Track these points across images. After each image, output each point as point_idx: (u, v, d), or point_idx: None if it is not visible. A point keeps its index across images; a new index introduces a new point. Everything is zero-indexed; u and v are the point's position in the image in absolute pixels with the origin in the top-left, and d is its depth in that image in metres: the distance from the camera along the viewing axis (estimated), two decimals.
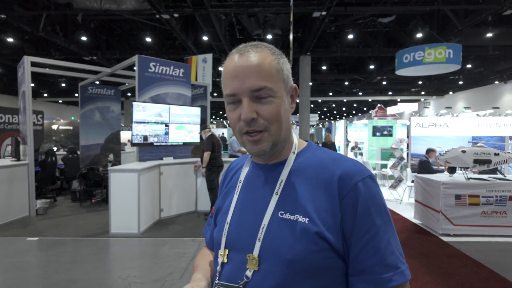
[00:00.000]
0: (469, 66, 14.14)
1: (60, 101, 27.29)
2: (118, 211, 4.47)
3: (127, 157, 8.26)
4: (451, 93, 20.59)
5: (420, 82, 18.34)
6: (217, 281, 0.70)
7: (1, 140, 6.95)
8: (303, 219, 0.65)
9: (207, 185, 5.16)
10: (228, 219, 0.74)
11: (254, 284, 0.65)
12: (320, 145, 8.07)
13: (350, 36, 11.93)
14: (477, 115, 8.03)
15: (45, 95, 23.65)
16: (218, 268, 0.72)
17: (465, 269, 3.30)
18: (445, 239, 4.20)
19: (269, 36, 12.47)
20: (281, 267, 0.63)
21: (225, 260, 0.71)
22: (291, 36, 8.45)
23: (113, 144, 7.99)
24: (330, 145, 9.14)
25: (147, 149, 5.39)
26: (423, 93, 21.79)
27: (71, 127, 12.63)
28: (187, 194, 5.66)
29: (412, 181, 5.69)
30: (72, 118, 20.05)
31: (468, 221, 4.24)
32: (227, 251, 0.71)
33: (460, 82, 17.38)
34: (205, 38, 12.02)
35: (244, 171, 0.80)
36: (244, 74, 0.65)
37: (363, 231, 0.63)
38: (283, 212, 0.67)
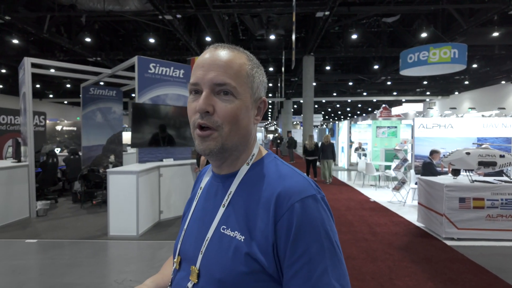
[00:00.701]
0: (475, 66, 13.95)
1: (65, 102, 27.51)
2: (116, 213, 4.44)
3: (129, 158, 8.26)
4: (456, 93, 20.36)
5: (425, 82, 18.16)
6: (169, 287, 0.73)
7: (3, 141, 6.99)
8: (240, 237, 0.61)
9: None
10: (185, 226, 0.74)
11: None
12: (320, 145, 7.82)
13: (354, 36, 11.83)
14: (483, 115, 7.89)
15: (51, 96, 23.86)
16: (172, 274, 0.74)
17: (469, 275, 3.21)
18: (448, 243, 4.10)
19: (272, 37, 12.41)
20: (212, 285, 0.61)
21: (177, 267, 0.71)
22: (293, 37, 8.38)
23: (114, 145, 7.99)
24: (328, 145, 8.93)
25: (147, 150, 5.36)
26: (428, 93, 21.58)
27: (74, 128, 12.69)
28: (187, 196, 5.61)
29: (416, 183, 5.58)
30: (78, 118, 20.19)
31: (472, 225, 4.14)
32: (179, 258, 0.71)
33: (466, 82, 17.17)
34: (208, 38, 12.01)
35: (206, 178, 0.78)
36: (210, 66, 0.63)
37: (295, 257, 0.57)
38: (224, 227, 0.64)
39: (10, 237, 4.42)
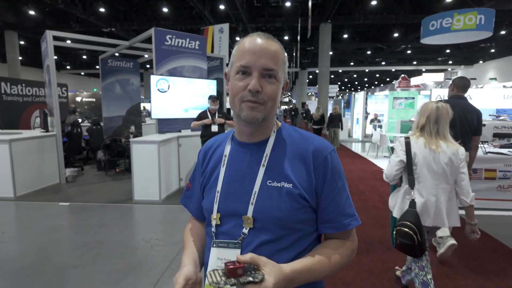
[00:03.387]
0: (502, 32, 13.17)
1: (82, 73, 27.90)
2: (140, 180, 4.75)
3: (147, 129, 8.55)
4: (481, 62, 19.40)
5: (447, 51, 17.35)
6: (214, 240, 0.84)
7: (30, 112, 7.34)
8: (287, 185, 0.81)
9: None
10: (219, 188, 0.87)
11: (250, 238, 0.80)
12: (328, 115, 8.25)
13: (374, 2, 11.30)
14: (504, 86, 7.61)
15: (68, 67, 24.23)
16: (213, 229, 0.85)
17: (474, 241, 3.33)
18: None
19: (287, 3, 12.03)
20: (272, 223, 0.79)
21: (218, 222, 0.85)
22: (309, 3, 8.13)
23: (134, 116, 8.26)
24: (336, 116, 9.63)
25: (166, 122, 5.57)
26: (450, 62, 20.65)
27: (93, 99, 13.05)
28: None
29: None
30: (95, 90, 20.58)
31: (482, 195, 4.21)
32: (219, 215, 0.85)
33: (492, 50, 16.31)
34: (222, 7, 11.76)
35: (227, 147, 0.92)
36: (261, 54, 0.79)
37: (329, 191, 0.83)
38: (270, 181, 0.82)
39: (45, 200, 4.83)
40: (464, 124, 2.90)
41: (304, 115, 16.97)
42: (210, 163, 0.94)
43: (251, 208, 0.81)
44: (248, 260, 0.67)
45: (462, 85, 3.01)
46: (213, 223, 0.86)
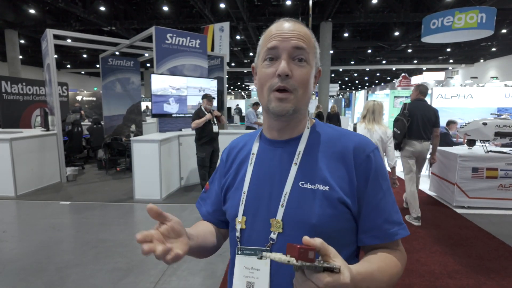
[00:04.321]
0: (504, 31, 13.13)
1: (83, 72, 27.87)
2: (141, 178, 4.75)
3: (148, 128, 8.54)
4: (482, 61, 19.35)
5: (448, 50, 17.29)
6: (239, 246, 0.75)
7: (30, 111, 7.33)
8: (323, 187, 0.71)
9: (198, 161, 4.86)
10: (245, 188, 0.78)
11: (280, 245, 0.70)
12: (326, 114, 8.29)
13: (374, 1, 11.27)
14: (505, 85, 7.60)
15: (68, 66, 24.21)
16: (237, 234, 0.77)
17: (475, 240, 3.35)
18: (458, 211, 4.22)
19: (288, 2, 11.99)
20: (305, 230, 0.68)
21: (244, 227, 0.76)
22: (310, 1, 8.13)
23: (134, 115, 8.25)
24: (333, 114, 9.80)
25: (167, 121, 5.57)
26: (451, 61, 20.60)
27: (94, 98, 13.04)
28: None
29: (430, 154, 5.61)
30: (95, 89, 20.57)
31: (483, 194, 4.21)
32: (244, 218, 0.76)
33: (493, 49, 16.27)
34: (222, 5, 11.73)
35: (255, 145, 0.83)
36: (290, 33, 0.72)
37: (373, 194, 0.73)
38: (303, 182, 0.73)
39: (46, 199, 4.83)
40: (425, 120, 3.81)
41: None
42: (235, 163, 0.86)
43: (281, 211, 0.72)
44: (318, 245, 0.53)
45: (425, 91, 3.97)
46: (238, 227, 0.77)
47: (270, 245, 0.71)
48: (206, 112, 4.71)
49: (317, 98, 16.90)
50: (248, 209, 0.76)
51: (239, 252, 0.75)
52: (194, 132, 5.60)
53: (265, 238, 0.72)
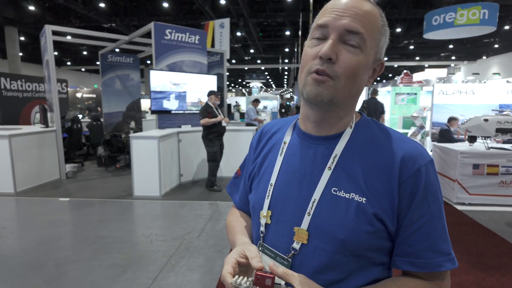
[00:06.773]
0: (506, 27, 13.04)
1: (83, 69, 27.87)
2: (140, 175, 4.74)
3: (148, 125, 8.52)
4: (484, 57, 19.25)
5: (450, 46, 17.21)
6: (261, 243, 0.70)
7: (29, 108, 7.32)
8: (359, 199, 0.61)
9: (210, 157, 4.96)
10: (272, 180, 0.70)
11: (303, 258, 0.63)
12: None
13: None
14: (507, 81, 7.54)
15: (68, 63, 24.20)
16: (262, 229, 0.70)
17: (475, 237, 3.33)
18: (459, 207, 4.20)
19: None
20: (332, 245, 0.61)
21: (269, 221, 0.69)
22: None
23: (134, 112, 8.23)
24: None
25: (166, 117, 5.55)
26: (453, 58, 20.50)
27: (94, 95, 13.03)
28: (205, 161, 5.84)
29: (431, 150, 5.58)
30: (95, 86, 20.55)
31: (484, 191, 4.19)
32: (270, 212, 0.69)
33: (496, 46, 16.18)
34: (222, 1, 11.67)
35: (288, 134, 0.74)
36: (346, 11, 0.60)
37: (417, 216, 0.61)
38: (336, 189, 0.63)
39: (45, 195, 4.83)
40: (375, 109, 6.64)
41: (284, 110, 15.50)
42: (264, 149, 0.77)
43: (307, 219, 0.63)
44: (280, 274, 0.53)
45: (376, 92, 6.89)
46: (263, 221, 0.70)
47: (292, 255, 0.64)
48: (213, 108, 4.80)
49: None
50: (274, 205, 0.69)
51: (260, 248, 0.69)
52: (193, 129, 5.61)
53: (286, 243, 0.65)
